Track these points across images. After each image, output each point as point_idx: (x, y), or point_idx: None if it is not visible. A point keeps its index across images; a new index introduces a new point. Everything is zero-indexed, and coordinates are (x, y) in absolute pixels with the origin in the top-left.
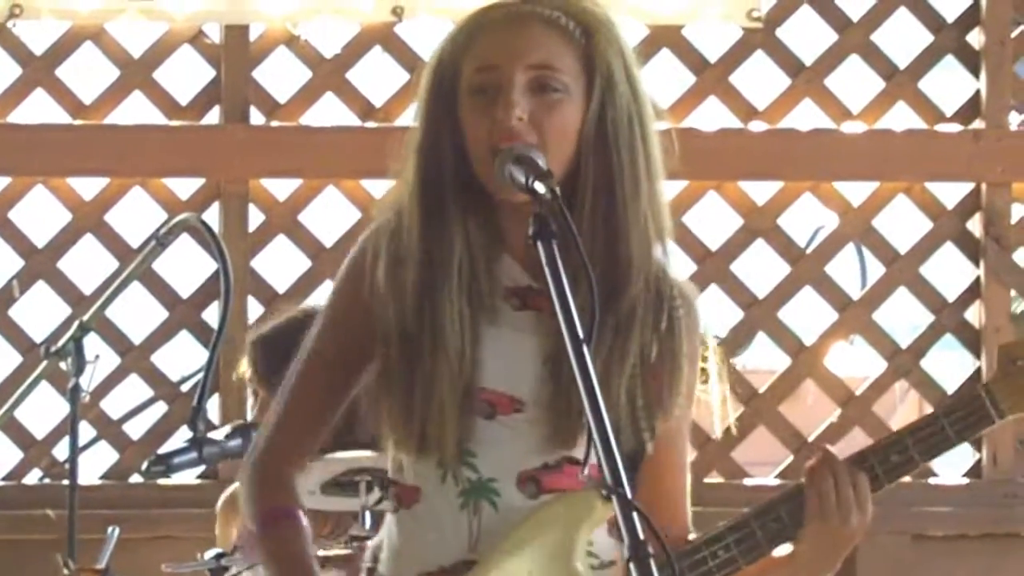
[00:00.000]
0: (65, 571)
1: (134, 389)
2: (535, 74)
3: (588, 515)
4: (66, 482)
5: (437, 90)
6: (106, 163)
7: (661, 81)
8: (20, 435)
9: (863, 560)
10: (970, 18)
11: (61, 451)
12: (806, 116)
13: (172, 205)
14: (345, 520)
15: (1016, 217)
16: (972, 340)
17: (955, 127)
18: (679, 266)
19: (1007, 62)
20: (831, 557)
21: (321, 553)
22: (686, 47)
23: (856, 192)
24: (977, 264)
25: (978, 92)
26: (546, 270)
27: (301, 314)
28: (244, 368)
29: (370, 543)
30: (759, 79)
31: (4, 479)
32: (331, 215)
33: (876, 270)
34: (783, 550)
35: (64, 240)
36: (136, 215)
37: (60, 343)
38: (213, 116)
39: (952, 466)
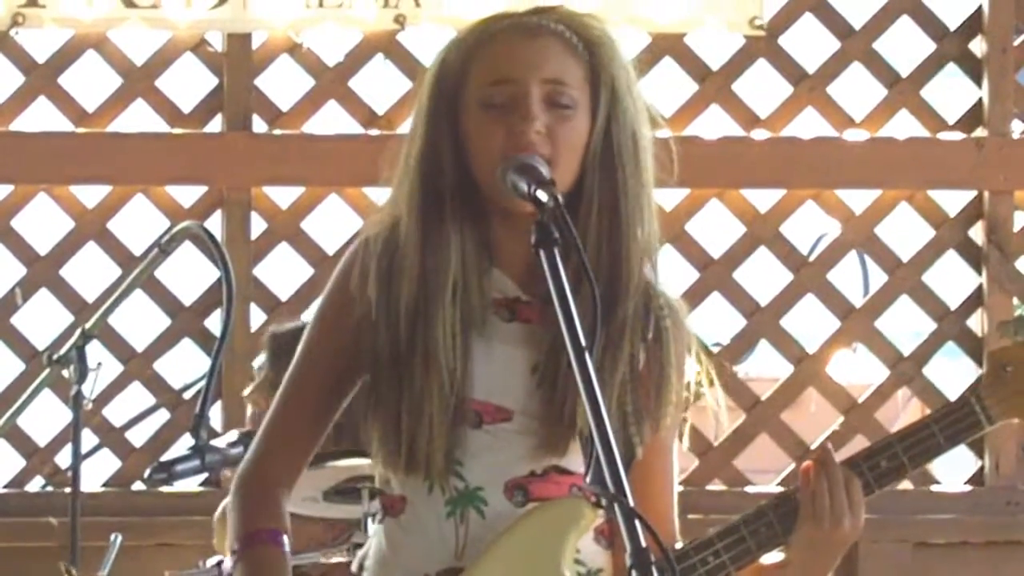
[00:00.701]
0: None
1: (136, 396)
2: (549, 88)
3: (575, 522)
4: (68, 489)
5: (439, 99)
6: (109, 171)
7: (663, 89)
8: (22, 442)
9: (865, 568)
10: (973, 26)
11: (64, 458)
12: (808, 124)
13: (174, 213)
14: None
15: (1019, 225)
16: (974, 348)
17: (957, 135)
18: (681, 274)
19: (1010, 70)
20: (824, 562)
21: (323, 560)
22: (688, 55)
23: (858, 200)
24: (979, 272)
25: (980, 100)
26: (548, 278)
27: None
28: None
29: (359, 552)
30: (761, 87)
31: (6, 486)
32: (333, 223)
33: (878, 278)
34: (773, 557)
35: (67, 248)
36: (138, 223)
37: (63, 350)
38: (216, 124)
39: (954, 474)
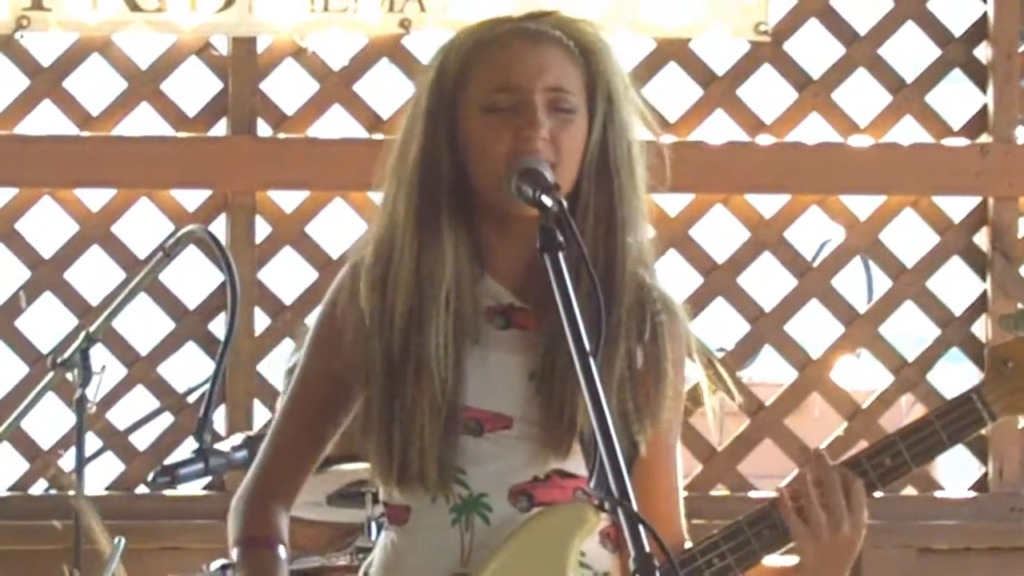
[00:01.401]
0: None
1: (140, 400)
2: (552, 95)
3: (580, 526)
4: (72, 493)
5: (438, 102)
6: (113, 174)
7: (668, 94)
8: (26, 446)
9: (869, 573)
10: (978, 32)
11: (67, 462)
12: (813, 129)
13: (179, 217)
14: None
15: (1023, 231)
16: (978, 354)
17: (962, 141)
18: (685, 279)
19: (1015, 76)
20: (836, 565)
21: (326, 564)
22: (693, 60)
23: (863, 205)
24: (984, 278)
25: (985, 106)
26: (553, 282)
27: None
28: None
29: (364, 561)
30: (766, 92)
31: (10, 489)
32: (338, 227)
33: (883, 283)
34: (777, 558)
35: (71, 251)
36: (143, 226)
37: (67, 354)
38: (220, 128)
39: (958, 480)
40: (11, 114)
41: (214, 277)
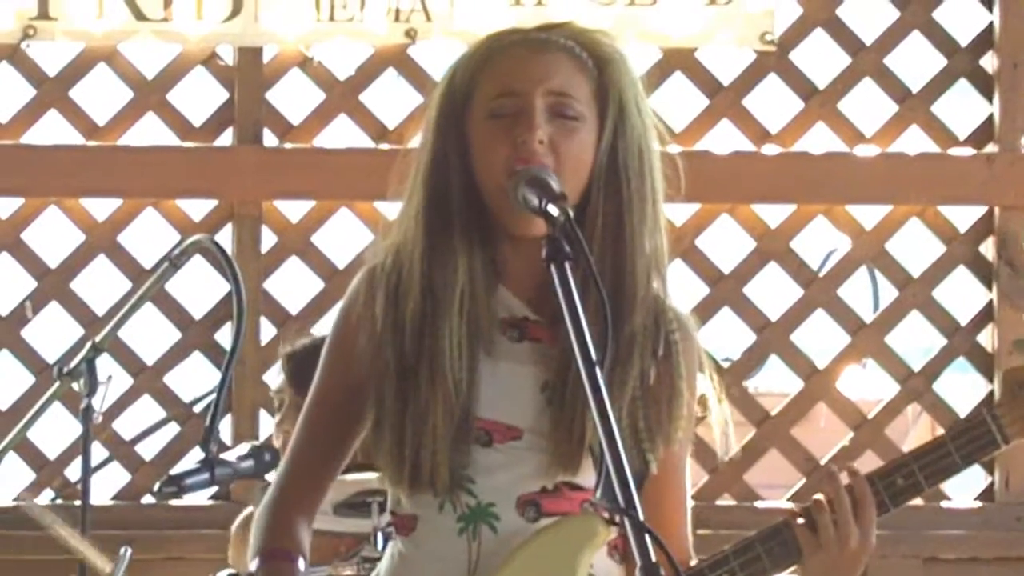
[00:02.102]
0: None
1: (146, 410)
2: (553, 100)
3: (589, 538)
4: (78, 503)
5: (448, 112)
6: (119, 184)
7: (674, 104)
8: (33, 455)
9: None
10: (983, 42)
11: (73, 472)
12: (819, 139)
13: (185, 226)
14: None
15: None
16: (985, 364)
17: (968, 151)
18: (692, 289)
19: (1020, 86)
20: None
21: (332, 573)
22: (699, 70)
23: (869, 215)
24: (990, 288)
25: (991, 116)
26: (559, 293)
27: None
28: (280, 383)
29: (371, 573)
30: (772, 102)
31: (16, 499)
32: (344, 237)
33: (889, 293)
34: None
35: (77, 261)
36: (149, 236)
37: (73, 364)
38: (226, 138)
39: (964, 490)
40: (17, 124)
41: (220, 287)
